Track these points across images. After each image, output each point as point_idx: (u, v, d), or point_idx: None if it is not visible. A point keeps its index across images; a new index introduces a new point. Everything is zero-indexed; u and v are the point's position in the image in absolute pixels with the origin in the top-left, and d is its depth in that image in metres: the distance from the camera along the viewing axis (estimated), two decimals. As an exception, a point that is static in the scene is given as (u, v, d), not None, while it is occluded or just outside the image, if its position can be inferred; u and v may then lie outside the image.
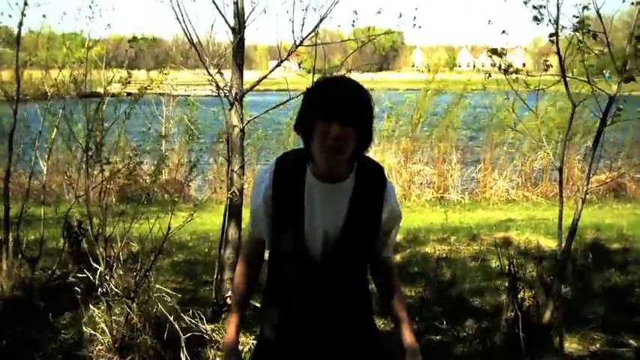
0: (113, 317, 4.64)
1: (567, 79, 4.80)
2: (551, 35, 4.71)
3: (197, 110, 13.62)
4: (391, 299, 2.63)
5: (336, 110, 2.28)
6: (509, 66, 4.92)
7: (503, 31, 5.12)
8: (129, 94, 5.87)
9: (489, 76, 5.57)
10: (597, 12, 4.56)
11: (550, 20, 4.63)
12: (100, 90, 5.73)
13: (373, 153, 12.65)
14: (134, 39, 5.98)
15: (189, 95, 13.86)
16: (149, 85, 5.79)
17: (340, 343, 2.52)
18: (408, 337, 2.55)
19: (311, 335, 2.51)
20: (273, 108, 6.72)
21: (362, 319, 2.61)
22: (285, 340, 2.55)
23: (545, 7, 4.62)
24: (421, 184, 14.14)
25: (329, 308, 2.49)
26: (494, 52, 4.90)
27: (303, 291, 2.48)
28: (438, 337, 5.28)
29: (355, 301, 2.57)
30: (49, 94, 6.36)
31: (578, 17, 4.58)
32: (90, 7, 5.74)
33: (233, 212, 5.45)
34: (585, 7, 4.59)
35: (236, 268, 2.74)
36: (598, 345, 5.12)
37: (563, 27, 4.63)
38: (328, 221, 2.41)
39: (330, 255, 2.43)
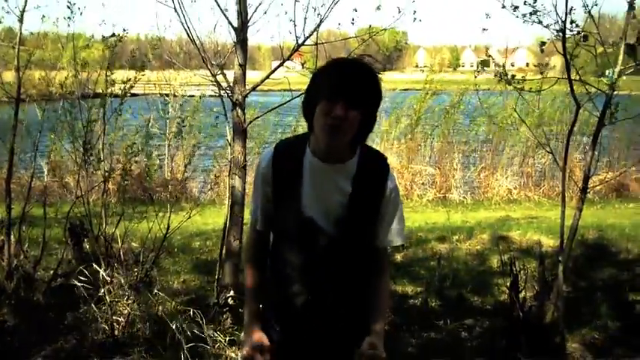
0: (114, 317, 4.65)
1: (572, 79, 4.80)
2: (542, 44, 4.74)
3: (200, 112, 13.64)
4: (373, 299, 2.50)
5: (341, 91, 2.20)
6: (513, 76, 4.96)
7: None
8: (133, 94, 5.89)
9: (483, 68, 5.62)
10: (589, 13, 4.59)
11: (557, 21, 4.61)
12: (100, 91, 5.75)
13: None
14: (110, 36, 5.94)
15: (192, 96, 13.88)
16: (132, 84, 5.82)
17: (341, 337, 2.44)
18: (368, 343, 2.34)
19: (315, 322, 2.43)
20: (274, 108, 6.73)
21: (364, 318, 2.48)
22: (288, 326, 2.48)
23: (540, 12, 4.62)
24: (423, 184, 14.10)
25: (334, 292, 2.41)
26: (484, 64, 4.94)
27: (307, 272, 2.40)
28: (439, 336, 5.27)
29: (359, 294, 2.46)
30: (50, 94, 6.36)
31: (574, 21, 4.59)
32: (68, 7, 5.73)
33: (234, 212, 5.45)
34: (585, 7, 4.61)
35: (244, 267, 2.67)
36: (600, 345, 5.11)
37: (567, 29, 4.63)
38: (330, 199, 2.36)
39: (338, 232, 2.35)
